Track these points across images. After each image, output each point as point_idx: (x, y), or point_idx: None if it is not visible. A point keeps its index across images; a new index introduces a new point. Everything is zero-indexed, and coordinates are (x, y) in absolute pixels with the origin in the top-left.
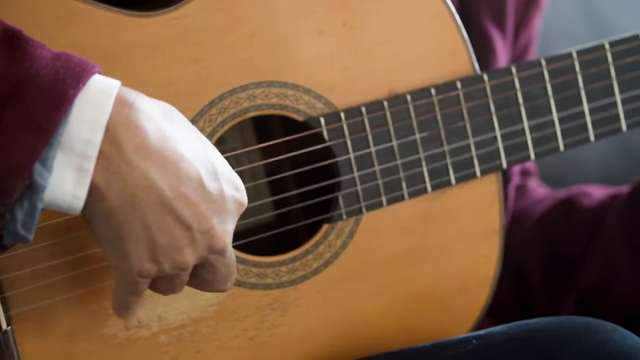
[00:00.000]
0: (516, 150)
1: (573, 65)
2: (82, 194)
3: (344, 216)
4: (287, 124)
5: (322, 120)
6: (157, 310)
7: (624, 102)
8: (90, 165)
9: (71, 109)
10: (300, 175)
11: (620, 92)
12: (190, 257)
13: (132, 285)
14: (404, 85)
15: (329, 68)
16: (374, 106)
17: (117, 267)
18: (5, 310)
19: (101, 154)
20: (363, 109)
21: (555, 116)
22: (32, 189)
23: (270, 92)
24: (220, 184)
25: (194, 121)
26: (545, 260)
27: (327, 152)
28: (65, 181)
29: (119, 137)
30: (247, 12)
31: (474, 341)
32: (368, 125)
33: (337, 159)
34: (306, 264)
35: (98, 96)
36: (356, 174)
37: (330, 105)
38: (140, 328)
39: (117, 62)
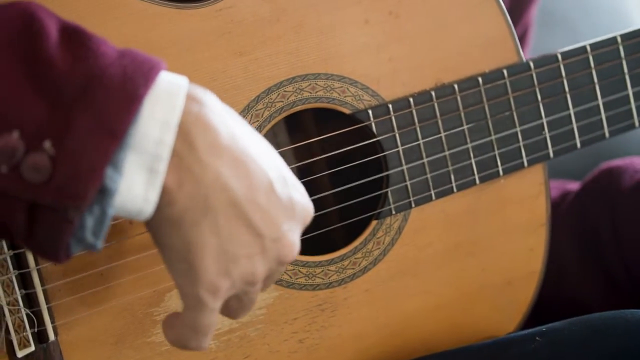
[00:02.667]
0: (563, 140)
1: (618, 50)
2: (153, 196)
3: (393, 211)
4: (325, 118)
5: (370, 112)
6: None
7: None
8: (162, 166)
9: (141, 108)
10: (341, 172)
11: None
12: (260, 268)
13: (203, 307)
14: (449, 75)
15: (375, 58)
16: (422, 97)
17: (183, 285)
18: (52, 321)
19: (173, 153)
20: (411, 100)
21: (600, 102)
22: (103, 193)
23: (317, 85)
24: (289, 189)
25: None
26: None
27: (373, 146)
28: (136, 184)
29: (191, 135)
30: (292, 2)
31: (537, 338)
32: (416, 117)
33: (386, 152)
34: (355, 262)
35: (167, 94)
36: (405, 168)
37: (377, 97)
38: None
39: (160, 57)
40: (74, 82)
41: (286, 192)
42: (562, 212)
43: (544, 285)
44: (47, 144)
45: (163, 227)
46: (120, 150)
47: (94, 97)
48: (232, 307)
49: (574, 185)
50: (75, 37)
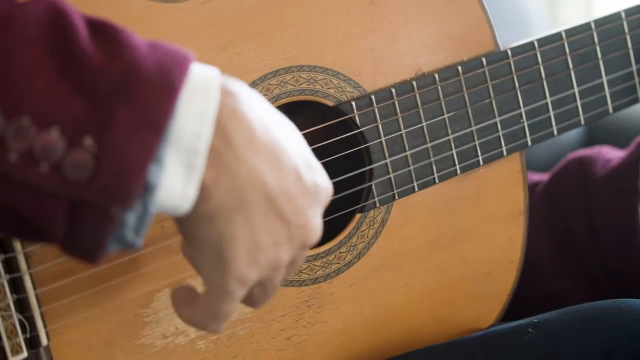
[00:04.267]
0: (540, 127)
1: (592, 36)
2: (191, 192)
3: (377, 204)
4: (309, 110)
5: (353, 104)
6: None
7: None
8: (200, 161)
9: (178, 100)
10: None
11: (637, 62)
12: (285, 255)
13: (229, 296)
14: (429, 64)
15: (357, 49)
16: (403, 87)
17: (211, 276)
18: (44, 326)
19: (210, 148)
20: (393, 91)
21: (576, 90)
22: (146, 190)
23: (300, 77)
24: (313, 174)
25: None
26: None
27: (356, 139)
28: (175, 179)
29: (227, 130)
30: None
31: (530, 330)
32: (398, 108)
33: (369, 144)
34: (340, 257)
35: (201, 86)
36: (388, 160)
37: (360, 89)
38: (178, 335)
39: None
40: (110, 76)
41: (311, 177)
42: (531, 203)
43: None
44: (88, 140)
45: (196, 222)
46: (162, 144)
47: (133, 90)
48: (255, 295)
49: (538, 176)
50: (104, 31)
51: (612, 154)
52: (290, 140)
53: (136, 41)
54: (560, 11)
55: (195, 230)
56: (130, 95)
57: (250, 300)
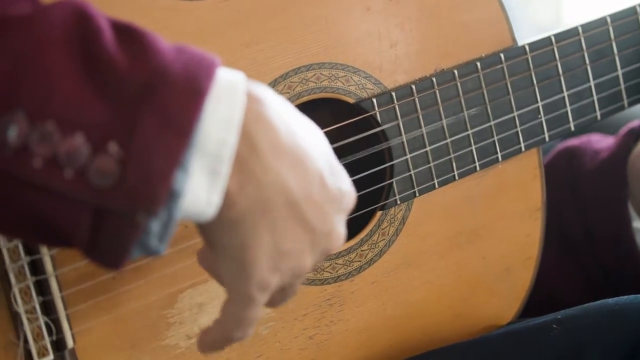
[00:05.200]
0: (557, 123)
1: (608, 32)
2: (216, 199)
3: (398, 202)
4: (329, 108)
5: (374, 101)
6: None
7: None
8: (225, 168)
9: (204, 105)
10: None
11: None
12: (309, 262)
13: (251, 302)
14: (448, 60)
15: (377, 46)
16: (423, 84)
17: (233, 282)
18: (69, 328)
19: (235, 154)
20: (413, 88)
21: (592, 84)
22: (171, 196)
23: (321, 75)
24: (337, 179)
25: None
26: None
27: (375, 136)
28: (200, 186)
29: (252, 136)
30: None
31: (554, 326)
32: (419, 105)
33: (390, 141)
34: (362, 255)
35: (228, 91)
36: (409, 157)
37: (380, 85)
38: None
39: None
40: (136, 80)
41: (336, 183)
42: None
43: None
44: (114, 146)
45: (220, 228)
46: (187, 150)
47: (159, 95)
48: (275, 298)
49: None
50: (129, 34)
51: (601, 144)
52: (314, 145)
53: (162, 45)
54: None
55: (218, 235)
56: (156, 99)
57: (270, 302)
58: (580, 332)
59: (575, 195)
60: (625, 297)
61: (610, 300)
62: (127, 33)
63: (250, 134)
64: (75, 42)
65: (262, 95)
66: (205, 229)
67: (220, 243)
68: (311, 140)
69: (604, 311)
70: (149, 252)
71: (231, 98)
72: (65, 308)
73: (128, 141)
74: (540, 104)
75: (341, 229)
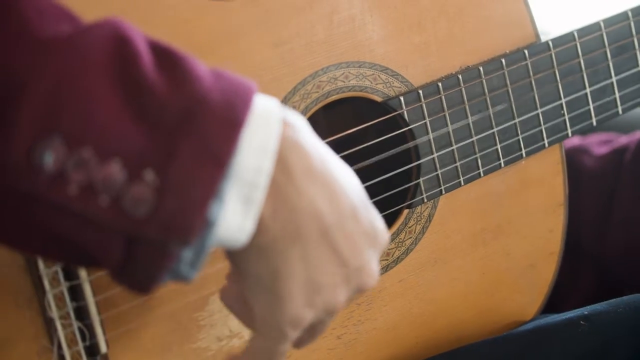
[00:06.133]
0: (580, 119)
1: (629, 26)
2: (249, 226)
3: (425, 200)
4: (355, 107)
5: (402, 99)
6: None
7: None
8: (259, 195)
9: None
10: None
11: None
12: (342, 298)
13: (282, 337)
14: (472, 57)
15: (403, 44)
16: (449, 81)
17: (265, 314)
18: (103, 333)
19: (271, 181)
20: (440, 85)
21: (614, 80)
22: (205, 226)
23: (349, 73)
24: (370, 214)
25: None
26: None
27: (402, 135)
28: (234, 214)
29: (287, 162)
30: None
31: (582, 322)
32: (445, 103)
33: (417, 140)
34: (389, 253)
35: (264, 119)
36: (435, 155)
37: (407, 83)
38: (232, 337)
39: (200, 51)
40: (175, 107)
41: (369, 217)
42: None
43: None
44: (150, 174)
45: (251, 255)
46: (224, 180)
47: (198, 123)
48: (303, 337)
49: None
50: (168, 58)
51: (598, 150)
52: (347, 178)
53: (200, 70)
54: None
55: (249, 263)
56: (194, 128)
57: (295, 341)
58: (607, 327)
59: (573, 186)
60: None
61: (638, 296)
62: (166, 57)
63: (284, 160)
64: (115, 66)
65: (294, 122)
66: (236, 256)
67: (251, 272)
68: (344, 173)
69: (632, 306)
70: (180, 278)
71: (267, 126)
72: (99, 313)
73: (165, 170)
74: (563, 100)
75: (374, 266)
